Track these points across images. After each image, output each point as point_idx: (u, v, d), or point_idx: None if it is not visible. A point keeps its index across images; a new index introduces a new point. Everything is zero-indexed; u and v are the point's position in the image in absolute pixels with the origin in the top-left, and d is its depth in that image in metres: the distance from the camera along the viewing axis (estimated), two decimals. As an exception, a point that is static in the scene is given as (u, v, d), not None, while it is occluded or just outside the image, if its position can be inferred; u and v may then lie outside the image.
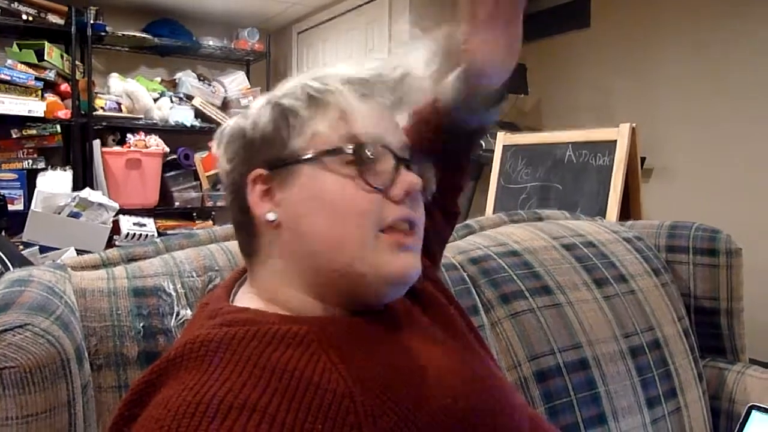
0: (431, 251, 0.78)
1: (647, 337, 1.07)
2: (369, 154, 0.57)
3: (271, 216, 0.58)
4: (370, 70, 0.63)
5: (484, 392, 0.57)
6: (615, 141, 2.08)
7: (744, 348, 1.22)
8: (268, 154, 0.59)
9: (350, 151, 0.57)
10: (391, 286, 0.57)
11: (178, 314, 0.71)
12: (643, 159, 2.54)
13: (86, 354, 0.63)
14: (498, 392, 0.59)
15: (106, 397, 0.65)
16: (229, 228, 0.86)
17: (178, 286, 0.74)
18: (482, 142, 2.95)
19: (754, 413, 1.00)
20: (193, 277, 0.76)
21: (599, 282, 1.09)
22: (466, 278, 0.99)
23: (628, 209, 2.13)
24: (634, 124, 2.10)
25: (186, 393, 0.46)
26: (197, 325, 0.58)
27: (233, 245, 0.83)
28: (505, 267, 1.02)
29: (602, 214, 2.02)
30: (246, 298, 0.61)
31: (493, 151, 2.65)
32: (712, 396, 1.15)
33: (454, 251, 1.04)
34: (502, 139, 2.60)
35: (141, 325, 0.69)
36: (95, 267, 0.77)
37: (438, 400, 0.54)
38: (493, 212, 2.17)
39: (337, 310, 0.59)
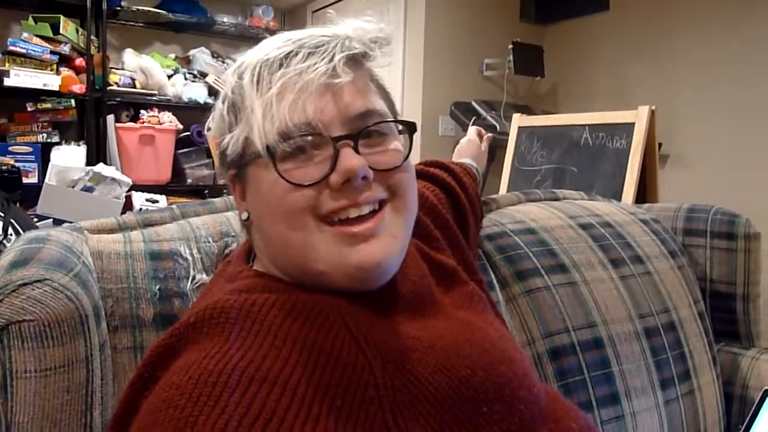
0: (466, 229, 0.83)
1: (662, 318, 1.06)
2: (288, 149, 0.52)
3: (243, 215, 0.59)
4: (296, 41, 0.57)
5: (502, 364, 0.57)
6: (633, 123, 2.05)
7: (759, 334, 1.20)
8: (228, 156, 0.58)
9: (265, 154, 0.52)
10: (356, 280, 0.53)
11: (194, 278, 0.71)
12: (659, 145, 2.50)
13: (103, 313, 0.63)
14: (517, 365, 0.58)
15: (122, 358, 0.65)
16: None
17: (194, 250, 0.74)
18: (497, 125, 2.92)
19: (770, 397, 0.99)
20: (209, 242, 0.76)
21: (615, 262, 1.07)
22: (482, 254, 0.98)
23: (644, 193, 2.10)
24: (653, 107, 2.06)
25: (207, 361, 0.46)
26: (217, 288, 0.59)
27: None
28: (521, 244, 1.01)
29: (618, 197, 2.00)
30: (263, 262, 0.61)
31: (507, 134, 2.62)
32: (726, 381, 1.14)
33: (469, 227, 1.03)
34: (518, 120, 2.57)
35: (157, 287, 0.69)
36: (112, 231, 0.77)
37: (457, 371, 0.53)
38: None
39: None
